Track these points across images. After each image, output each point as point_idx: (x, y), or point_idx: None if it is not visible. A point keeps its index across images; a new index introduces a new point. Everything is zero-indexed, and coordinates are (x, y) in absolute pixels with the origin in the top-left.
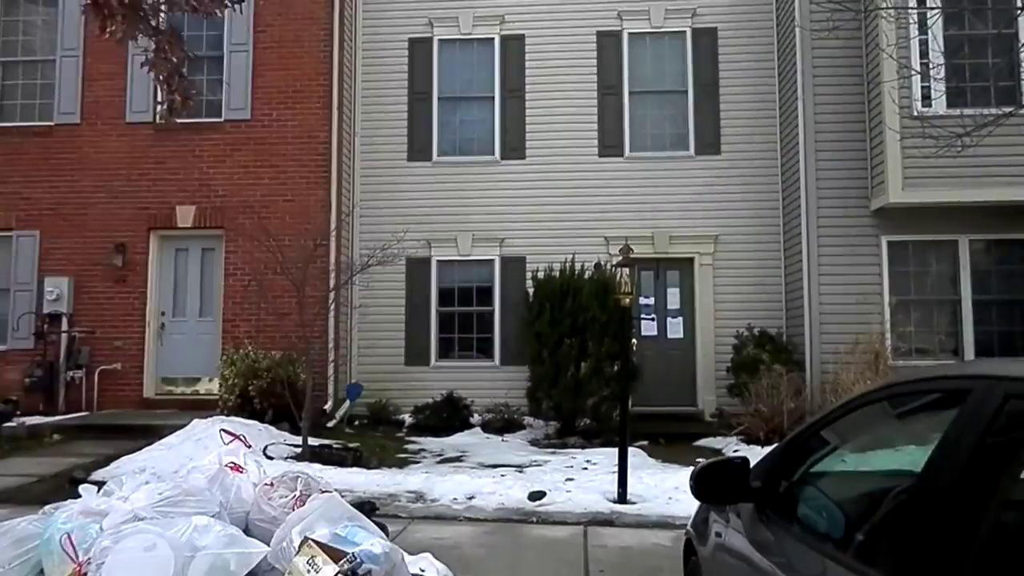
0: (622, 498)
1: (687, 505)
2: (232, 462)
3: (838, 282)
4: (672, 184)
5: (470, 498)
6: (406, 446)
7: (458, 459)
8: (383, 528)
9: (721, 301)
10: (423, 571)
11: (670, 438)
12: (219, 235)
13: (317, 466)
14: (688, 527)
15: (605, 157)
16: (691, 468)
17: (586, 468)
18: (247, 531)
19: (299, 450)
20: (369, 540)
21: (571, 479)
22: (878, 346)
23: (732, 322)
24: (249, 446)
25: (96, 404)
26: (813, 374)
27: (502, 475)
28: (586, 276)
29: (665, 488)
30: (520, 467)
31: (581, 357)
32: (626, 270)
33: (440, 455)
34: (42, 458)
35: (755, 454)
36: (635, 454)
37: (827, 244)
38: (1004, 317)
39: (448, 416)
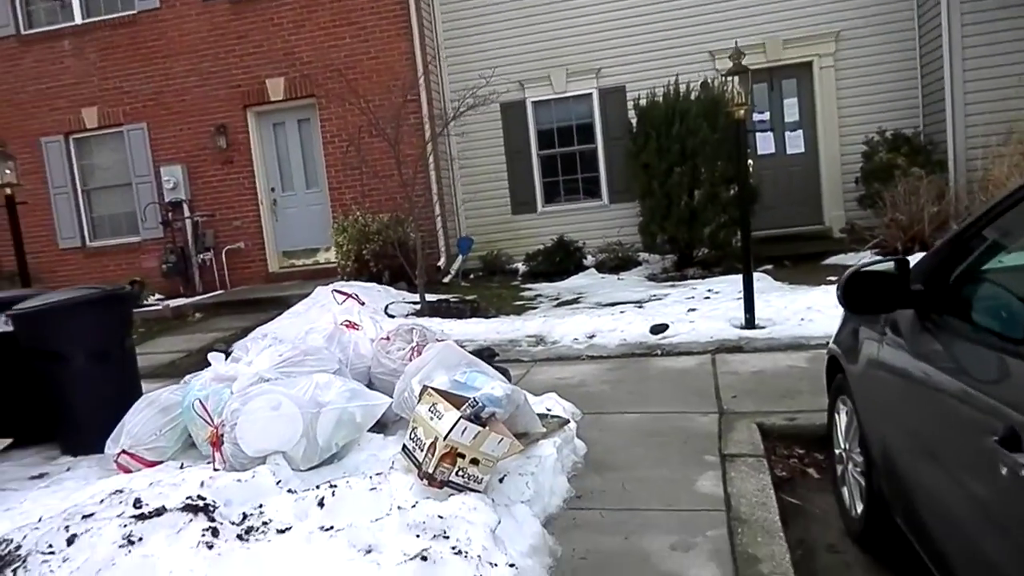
0: (750, 323)
1: (822, 325)
2: (347, 320)
3: (985, 64)
4: None
5: (591, 337)
6: (522, 293)
7: (575, 301)
8: (505, 372)
9: (846, 106)
10: (549, 410)
11: (796, 259)
12: (311, 104)
13: (436, 320)
14: (831, 344)
15: None
16: (821, 287)
17: (708, 297)
18: (370, 384)
19: (418, 307)
20: (490, 384)
21: (693, 309)
22: None
23: (860, 127)
24: (363, 303)
25: (228, 282)
26: (958, 174)
27: (621, 312)
28: (692, 97)
29: (796, 309)
30: (639, 303)
31: (693, 184)
32: (736, 78)
33: (557, 299)
34: (187, 335)
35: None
36: (760, 278)
37: (973, 21)
38: None
39: (561, 260)
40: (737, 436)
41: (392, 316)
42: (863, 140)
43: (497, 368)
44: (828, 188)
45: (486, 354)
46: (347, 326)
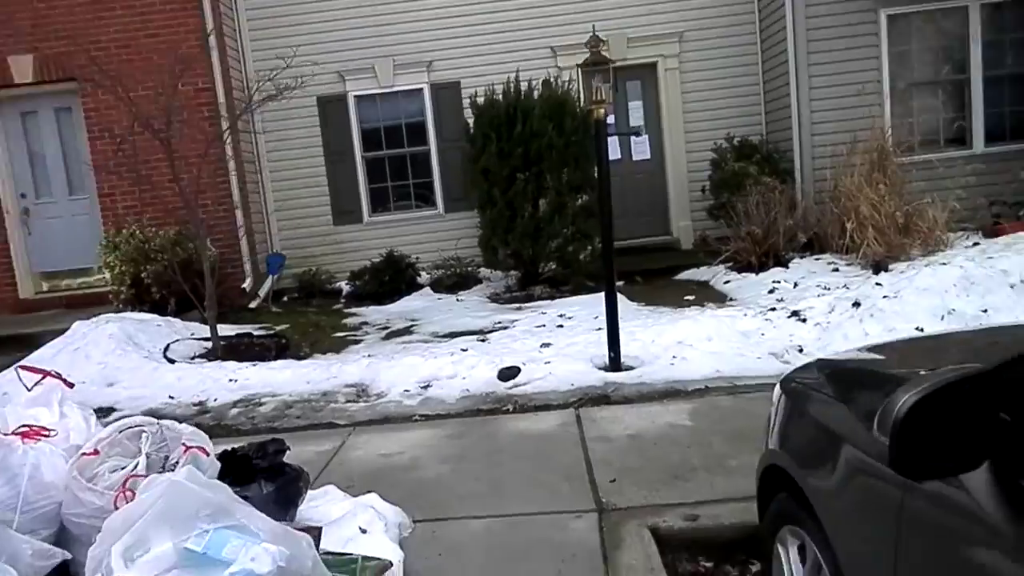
0: (615, 364)
1: (697, 365)
2: (28, 425)
3: (830, 71)
4: None
5: (425, 387)
6: (345, 320)
7: (407, 331)
8: (294, 481)
9: (692, 111)
10: (364, 531)
11: (647, 275)
12: (72, 89)
13: (232, 364)
14: (771, 445)
15: None
16: (687, 314)
17: (561, 326)
18: (61, 534)
19: (210, 345)
20: (247, 549)
21: (547, 344)
22: (882, 142)
23: (707, 134)
24: (71, 385)
25: None
26: (805, 183)
27: (462, 349)
28: (535, 95)
29: (665, 344)
30: (483, 333)
31: (538, 193)
32: (598, 74)
33: (385, 328)
34: None
35: (750, 283)
36: None
37: (817, 27)
38: (1017, 94)
39: (391, 279)
40: (628, 554)
41: (172, 361)
42: (712, 147)
43: (285, 484)
44: (675, 197)
45: (270, 451)
46: (26, 434)
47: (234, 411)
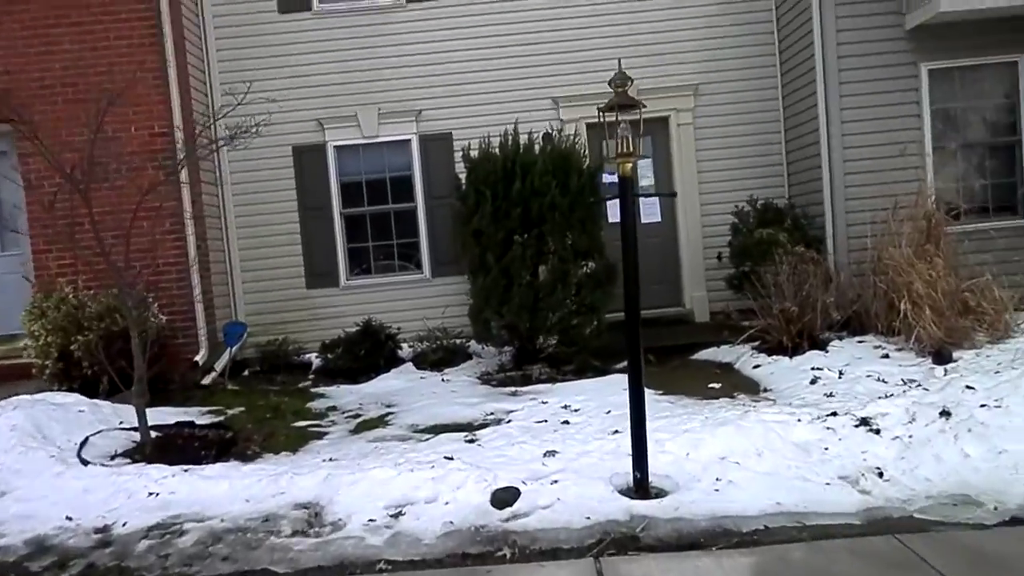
0: (641, 487)
1: (747, 492)
2: None
3: (866, 128)
4: (634, 20)
5: (397, 514)
6: (310, 404)
7: (382, 420)
8: None
9: (707, 170)
10: None
11: (660, 353)
12: (7, 132)
13: (157, 470)
14: None
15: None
16: (718, 411)
17: (567, 421)
18: None
19: (138, 439)
20: None
21: (552, 452)
22: (930, 208)
23: (724, 195)
24: None
25: None
26: (839, 254)
27: (446, 457)
28: (536, 148)
29: (703, 460)
30: (471, 429)
31: (538, 259)
32: (623, 117)
33: (357, 415)
34: None
35: (784, 370)
36: (624, 385)
37: (850, 80)
38: None
39: (368, 352)
40: None
41: (87, 463)
42: (732, 210)
43: None
44: (689, 265)
45: None
46: None
47: (144, 543)
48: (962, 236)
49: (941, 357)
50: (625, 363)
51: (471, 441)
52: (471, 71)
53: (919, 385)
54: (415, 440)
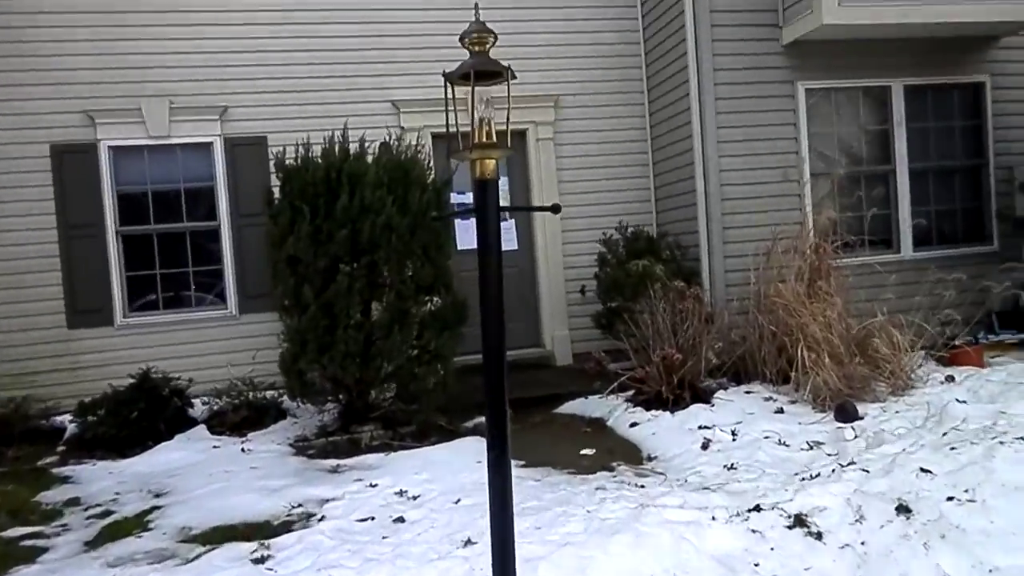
0: None
1: None
2: None
3: (745, 150)
4: (489, 17)
5: None
6: (42, 495)
7: (140, 521)
8: None
9: (571, 192)
10: None
11: (518, 406)
12: None
13: None
14: None
15: None
16: (604, 502)
17: (402, 520)
18: None
19: None
20: None
21: None
22: (815, 238)
23: (589, 221)
24: None
25: None
26: (716, 289)
27: None
28: (370, 158)
29: None
30: (267, 531)
31: (371, 294)
32: (488, 90)
33: (106, 512)
34: None
35: (668, 429)
36: (478, 454)
37: (728, 96)
38: (942, 191)
39: (143, 414)
40: None
41: None
42: (599, 237)
43: None
44: (549, 299)
45: None
46: None
47: None
48: (847, 271)
49: (846, 414)
50: (479, 420)
51: (260, 561)
52: (294, 63)
53: (852, 463)
54: (177, 561)
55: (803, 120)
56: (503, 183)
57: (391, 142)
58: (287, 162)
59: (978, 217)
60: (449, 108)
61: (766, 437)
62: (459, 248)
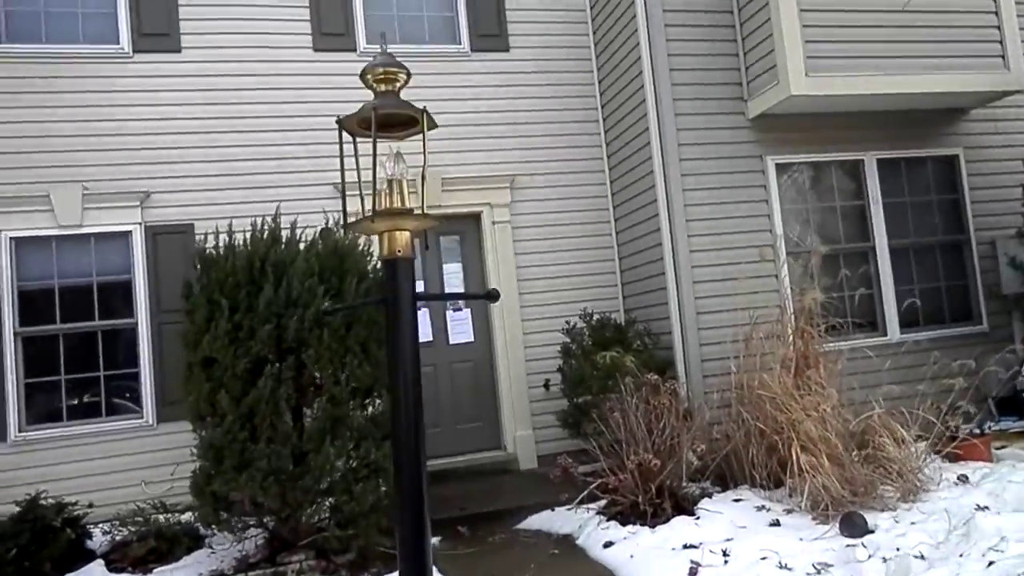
0: None
1: None
2: None
3: (716, 229)
4: (440, 96)
5: None
6: None
7: None
8: None
9: (530, 278)
10: None
11: (475, 522)
12: None
13: None
14: None
15: (325, 51)
16: None
17: None
18: None
19: None
20: None
21: None
22: (802, 323)
23: (551, 308)
24: None
25: None
26: (693, 381)
27: None
28: (303, 244)
29: None
30: None
31: (300, 399)
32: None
33: None
34: None
35: (649, 551)
36: None
37: (694, 172)
38: (925, 268)
39: (24, 551)
40: None
41: None
42: (562, 327)
43: None
44: (510, 396)
45: None
46: None
47: None
48: (834, 357)
49: (854, 526)
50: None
51: None
52: (224, 145)
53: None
54: None
55: (775, 196)
56: (456, 269)
57: (333, 228)
58: (207, 251)
59: (964, 295)
60: (353, 167)
61: (763, 559)
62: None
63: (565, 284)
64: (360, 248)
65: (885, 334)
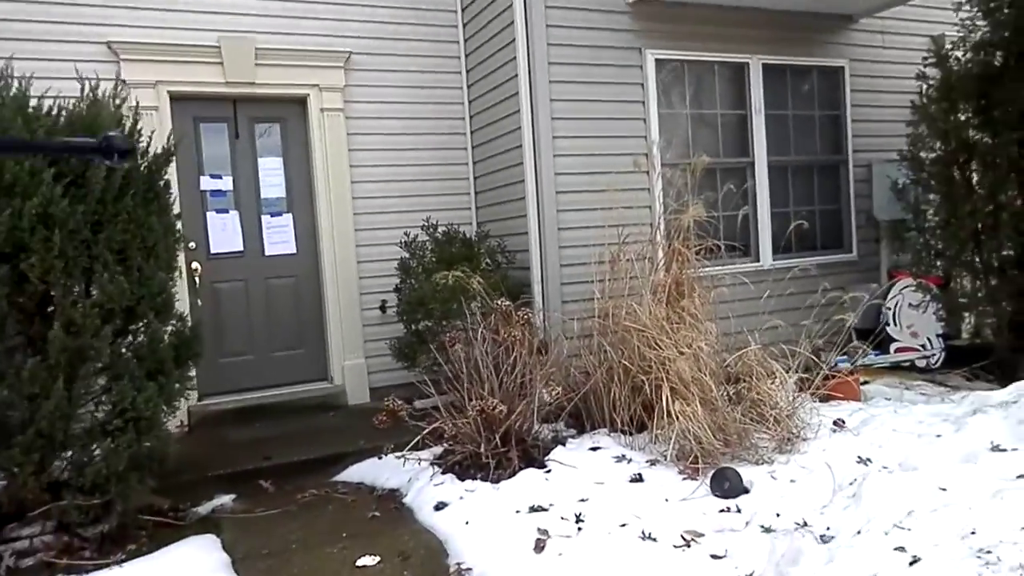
0: None
1: None
2: None
3: (585, 130)
4: None
5: None
6: None
7: None
8: None
9: (366, 179)
10: None
11: (284, 473)
12: None
13: None
14: None
15: None
16: None
17: None
18: None
19: None
20: None
21: None
22: (677, 243)
23: (391, 217)
24: None
25: None
26: (549, 304)
27: None
28: (33, 103)
29: None
30: None
31: (25, 323)
32: None
33: None
34: None
35: (488, 514)
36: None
37: (562, 61)
38: (801, 191)
39: None
40: None
41: None
42: (400, 239)
43: None
44: (340, 318)
45: None
46: None
47: None
48: (710, 284)
49: (726, 485)
50: (222, 500)
51: None
52: None
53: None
54: None
55: (652, 97)
56: (275, 165)
57: (104, 99)
58: None
59: (837, 221)
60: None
61: (623, 525)
62: (212, 252)
63: (409, 189)
64: (115, 115)
65: (758, 259)
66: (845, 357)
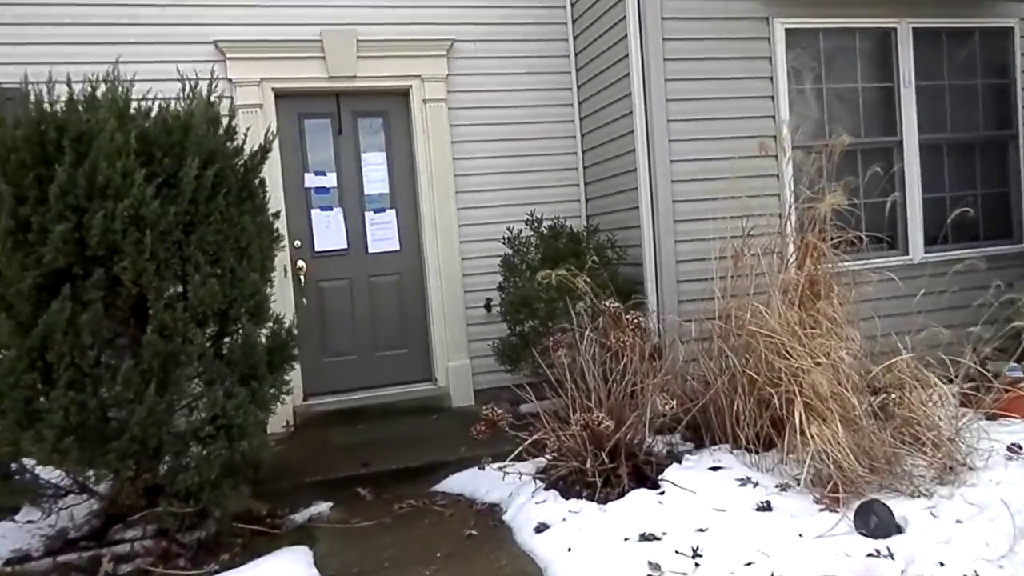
0: None
1: None
2: None
3: (704, 111)
4: None
5: None
6: None
7: None
8: None
9: (470, 172)
10: None
11: (386, 481)
12: None
13: None
14: None
15: None
16: None
17: None
18: None
19: None
20: None
21: None
22: (812, 235)
23: (496, 212)
24: None
25: None
26: (664, 305)
27: None
28: (137, 105)
29: None
30: None
31: (120, 326)
32: None
33: None
34: None
35: (596, 540)
36: None
37: (679, 36)
38: (960, 172)
39: None
40: None
41: None
42: (503, 234)
43: None
44: (444, 319)
45: None
46: None
47: None
48: (849, 283)
49: (874, 522)
50: (318, 508)
51: None
52: None
53: None
54: None
55: (782, 72)
56: (377, 160)
57: (213, 102)
58: None
59: (1004, 206)
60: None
61: (748, 564)
62: (317, 250)
63: (513, 181)
64: (210, 115)
65: (907, 252)
66: (1017, 367)
